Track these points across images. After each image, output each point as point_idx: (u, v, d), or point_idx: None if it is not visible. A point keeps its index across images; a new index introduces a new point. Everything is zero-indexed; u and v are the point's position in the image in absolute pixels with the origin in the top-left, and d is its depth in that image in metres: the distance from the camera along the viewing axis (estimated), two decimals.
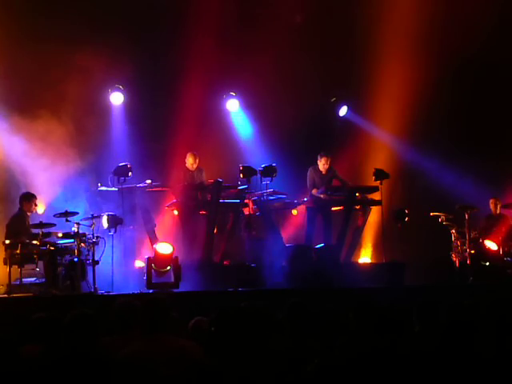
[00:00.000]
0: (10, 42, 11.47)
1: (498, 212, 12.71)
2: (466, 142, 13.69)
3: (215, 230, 11.27)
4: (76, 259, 9.85)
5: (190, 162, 11.76)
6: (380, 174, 11.90)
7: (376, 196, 11.92)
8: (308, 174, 12.10)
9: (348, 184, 12.13)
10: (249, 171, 11.33)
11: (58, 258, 9.91)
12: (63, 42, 11.44)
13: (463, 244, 12.03)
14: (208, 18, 12.17)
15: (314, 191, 11.91)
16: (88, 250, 10.06)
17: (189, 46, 12.20)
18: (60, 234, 10.06)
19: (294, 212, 12.37)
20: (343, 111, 14.24)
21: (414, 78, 13.13)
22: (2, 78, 11.55)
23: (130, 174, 10.82)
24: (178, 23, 12.20)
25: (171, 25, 12.42)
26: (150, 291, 9.89)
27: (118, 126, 12.82)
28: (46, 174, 11.49)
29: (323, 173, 12.10)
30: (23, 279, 9.80)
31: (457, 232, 12.10)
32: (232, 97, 13.63)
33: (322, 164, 12.07)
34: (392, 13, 13.05)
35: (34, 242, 9.84)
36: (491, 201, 12.73)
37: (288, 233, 12.49)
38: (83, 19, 11.72)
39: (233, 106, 13.71)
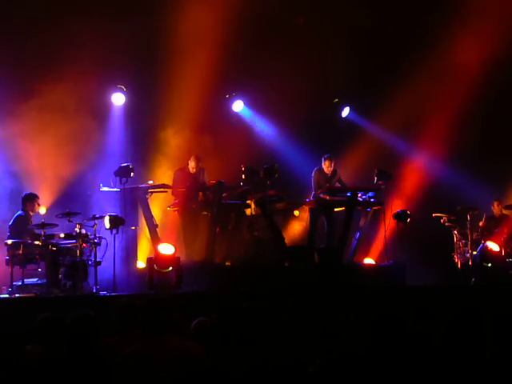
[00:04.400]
0: (8, 41, 11.49)
1: (500, 214, 12.72)
2: (468, 144, 13.66)
3: (217, 231, 11.28)
4: (78, 260, 9.86)
5: (192, 165, 11.71)
6: (382, 175, 11.91)
7: (378, 197, 11.93)
8: (313, 175, 12.07)
9: (347, 187, 12.11)
10: (251, 172, 11.33)
11: (60, 258, 9.91)
12: (64, 41, 11.48)
13: (465, 245, 12.05)
14: (211, 18, 12.17)
15: (319, 192, 11.88)
16: (90, 251, 10.07)
17: (191, 46, 12.21)
18: (62, 235, 10.06)
19: (296, 213, 12.37)
20: (345, 112, 14.24)
21: (418, 78, 13.15)
22: (1, 76, 11.54)
23: (132, 174, 10.84)
24: (180, 21, 12.19)
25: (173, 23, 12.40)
26: (152, 292, 9.88)
27: (120, 126, 12.82)
28: (47, 174, 11.51)
29: (329, 175, 12.09)
30: (25, 280, 9.80)
31: (459, 233, 12.12)
32: (235, 98, 13.63)
33: (327, 166, 12.06)
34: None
35: (36, 242, 9.84)
36: (495, 203, 12.72)
37: (290, 234, 12.50)
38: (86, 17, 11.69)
39: (237, 106, 13.71)
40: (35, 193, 10.70)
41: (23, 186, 11.35)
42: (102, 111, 12.56)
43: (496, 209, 12.71)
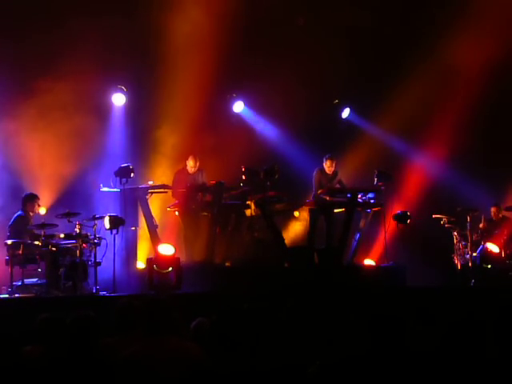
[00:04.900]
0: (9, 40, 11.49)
1: (499, 217, 12.73)
2: (468, 145, 13.64)
3: (217, 232, 11.27)
4: (78, 260, 9.86)
5: (191, 164, 11.69)
6: (382, 176, 11.90)
7: (378, 198, 11.92)
8: (315, 175, 12.06)
9: (347, 188, 12.10)
10: (251, 172, 11.32)
11: (60, 258, 9.91)
12: (64, 40, 11.47)
13: (465, 246, 12.05)
14: (211, 19, 12.17)
15: (319, 192, 11.86)
16: (90, 251, 10.07)
17: (192, 47, 12.21)
18: (62, 235, 10.07)
19: (296, 213, 12.35)
20: (346, 113, 14.23)
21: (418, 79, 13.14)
22: (2, 74, 11.53)
23: (132, 174, 10.84)
24: (181, 23, 12.18)
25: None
26: (152, 292, 9.87)
27: (120, 126, 12.81)
28: (47, 173, 11.51)
29: (330, 175, 12.09)
30: (25, 280, 9.80)
31: (459, 234, 12.12)
32: (235, 98, 13.63)
33: (328, 166, 12.05)
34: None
35: (36, 242, 9.85)
36: (493, 209, 12.72)
37: (290, 234, 12.48)
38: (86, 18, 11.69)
39: (237, 107, 13.71)
40: (35, 193, 10.71)
41: (23, 185, 11.35)
42: (102, 111, 12.55)
43: (495, 214, 12.71)
